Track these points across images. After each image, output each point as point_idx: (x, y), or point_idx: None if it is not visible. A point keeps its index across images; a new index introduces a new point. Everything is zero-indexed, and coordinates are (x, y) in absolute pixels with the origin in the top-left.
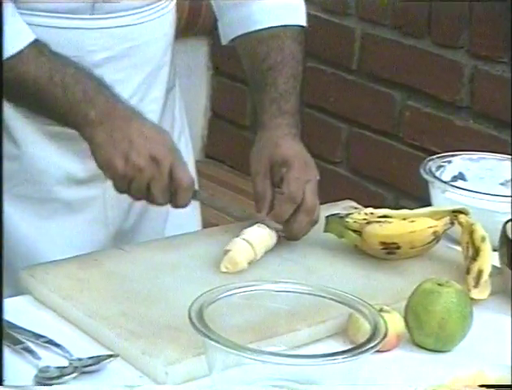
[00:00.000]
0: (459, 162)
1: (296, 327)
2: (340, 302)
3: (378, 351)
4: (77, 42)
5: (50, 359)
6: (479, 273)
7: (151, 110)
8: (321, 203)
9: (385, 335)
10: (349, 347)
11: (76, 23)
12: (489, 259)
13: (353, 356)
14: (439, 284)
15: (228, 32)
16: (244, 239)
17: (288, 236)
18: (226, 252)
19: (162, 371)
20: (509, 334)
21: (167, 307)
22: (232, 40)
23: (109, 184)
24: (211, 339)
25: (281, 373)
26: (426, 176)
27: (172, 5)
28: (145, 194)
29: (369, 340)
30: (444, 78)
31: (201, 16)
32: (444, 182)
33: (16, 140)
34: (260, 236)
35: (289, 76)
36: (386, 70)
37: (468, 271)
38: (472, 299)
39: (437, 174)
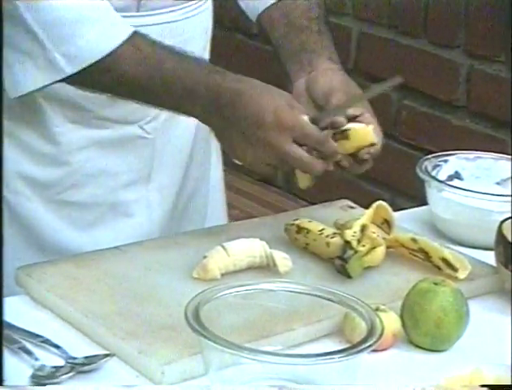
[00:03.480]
0: (455, 162)
1: (292, 327)
2: (336, 301)
3: (374, 350)
4: None
5: (47, 359)
6: (445, 261)
7: None
8: (317, 202)
9: (381, 335)
10: (345, 346)
11: None
12: (435, 245)
13: (350, 355)
14: (435, 283)
15: (258, 5)
16: (223, 247)
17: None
18: (203, 257)
19: (159, 371)
20: (505, 333)
21: (163, 307)
22: (262, 12)
23: (152, 185)
24: (207, 338)
25: (277, 372)
26: (422, 175)
27: (210, 0)
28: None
29: (365, 340)
30: (441, 77)
31: None
32: (441, 181)
33: (62, 146)
34: (243, 247)
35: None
36: (382, 69)
37: (439, 268)
38: (463, 290)
39: (433, 173)
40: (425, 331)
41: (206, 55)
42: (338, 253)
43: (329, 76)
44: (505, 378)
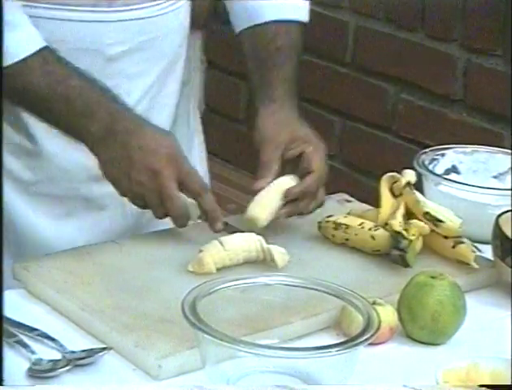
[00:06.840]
0: (452, 155)
1: (289, 320)
2: (333, 295)
3: (371, 344)
4: (95, 36)
5: (44, 352)
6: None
7: (166, 103)
8: None
9: (378, 328)
10: (343, 340)
11: (95, 16)
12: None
13: (347, 349)
14: (432, 277)
15: (237, 24)
16: (219, 241)
17: (296, 211)
18: (199, 251)
19: (156, 364)
20: (502, 326)
21: (160, 300)
22: (240, 31)
23: None
24: (204, 332)
25: (274, 366)
26: (419, 169)
27: None
28: (161, 206)
29: (362, 333)
30: (438, 71)
31: (194, 10)
32: (438, 175)
33: (35, 137)
34: (239, 242)
35: (295, 62)
36: (379, 63)
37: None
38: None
39: (430, 167)
40: (422, 324)
41: (183, 53)
42: (391, 244)
43: (261, 126)
44: (502, 371)
